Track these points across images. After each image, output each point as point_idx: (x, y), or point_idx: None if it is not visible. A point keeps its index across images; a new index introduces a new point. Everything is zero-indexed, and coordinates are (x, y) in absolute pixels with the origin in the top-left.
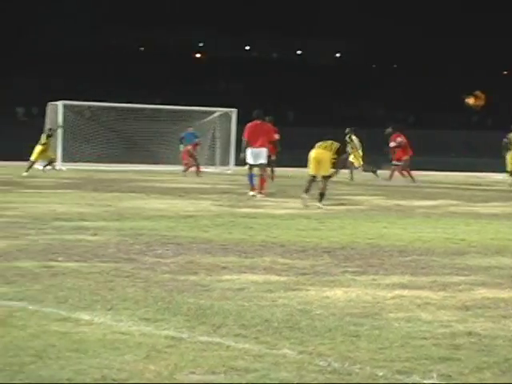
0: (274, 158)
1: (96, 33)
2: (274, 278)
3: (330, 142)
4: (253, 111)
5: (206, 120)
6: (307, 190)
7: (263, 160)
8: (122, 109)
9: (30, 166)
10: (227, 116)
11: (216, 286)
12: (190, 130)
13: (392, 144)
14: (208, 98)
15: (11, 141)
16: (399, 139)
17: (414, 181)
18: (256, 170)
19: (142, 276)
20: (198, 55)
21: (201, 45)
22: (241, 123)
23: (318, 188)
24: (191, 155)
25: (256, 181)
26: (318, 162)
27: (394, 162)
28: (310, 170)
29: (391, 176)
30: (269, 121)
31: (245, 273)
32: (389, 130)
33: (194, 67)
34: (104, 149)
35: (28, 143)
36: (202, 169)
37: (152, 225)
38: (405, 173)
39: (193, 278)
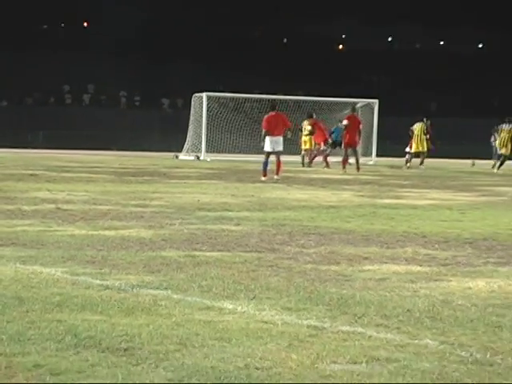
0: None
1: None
2: (415, 268)
3: None
4: (396, 102)
5: (346, 112)
6: None
7: (281, 147)
8: (265, 100)
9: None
10: (369, 107)
11: (358, 276)
12: (341, 125)
13: None
14: (349, 89)
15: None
16: None
17: None
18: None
19: (284, 266)
20: (340, 47)
21: (343, 36)
22: (383, 114)
23: None
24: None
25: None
26: None
27: None
28: None
29: None
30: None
31: (386, 263)
32: None
33: (335, 58)
34: (248, 139)
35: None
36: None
37: (294, 215)
38: None
39: (335, 268)
